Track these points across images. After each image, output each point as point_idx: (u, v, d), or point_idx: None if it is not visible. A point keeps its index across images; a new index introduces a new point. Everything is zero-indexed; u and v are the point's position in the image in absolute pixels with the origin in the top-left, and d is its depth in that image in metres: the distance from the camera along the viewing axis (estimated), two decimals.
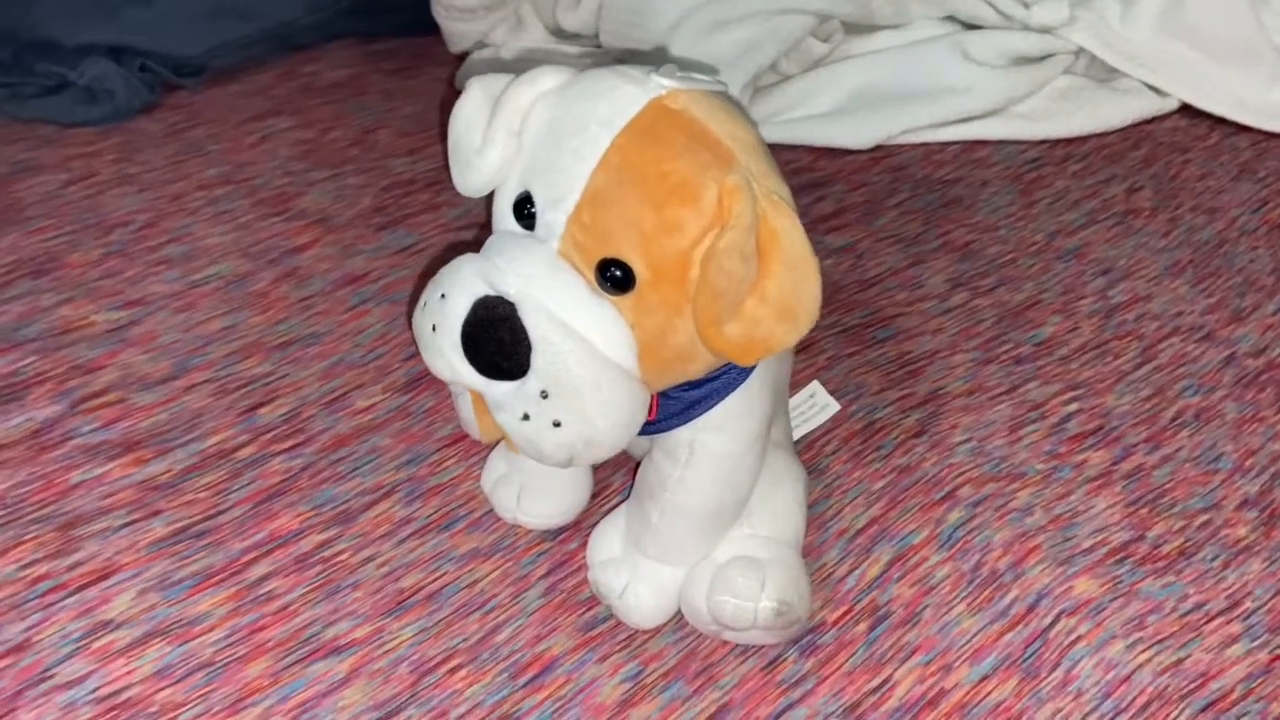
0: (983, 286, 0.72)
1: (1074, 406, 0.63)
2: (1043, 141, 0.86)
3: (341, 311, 0.66)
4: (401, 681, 0.49)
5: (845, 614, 0.53)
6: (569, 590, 0.53)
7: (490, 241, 0.43)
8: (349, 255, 0.69)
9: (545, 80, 0.42)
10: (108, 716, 0.46)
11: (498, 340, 0.40)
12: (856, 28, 0.89)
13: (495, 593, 0.53)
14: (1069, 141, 0.86)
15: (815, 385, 0.62)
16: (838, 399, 0.62)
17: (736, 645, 0.51)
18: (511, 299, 0.40)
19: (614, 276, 0.40)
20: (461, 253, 0.43)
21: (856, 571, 0.54)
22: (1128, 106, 0.87)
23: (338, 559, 0.53)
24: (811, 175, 0.81)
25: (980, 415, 0.62)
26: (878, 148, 0.84)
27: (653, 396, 0.46)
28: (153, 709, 0.46)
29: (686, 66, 0.44)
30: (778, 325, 0.40)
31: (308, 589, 0.52)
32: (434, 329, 0.42)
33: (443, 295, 0.42)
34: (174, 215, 0.71)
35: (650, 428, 0.48)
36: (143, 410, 0.58)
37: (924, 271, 0.73)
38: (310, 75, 0.87)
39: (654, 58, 0.83)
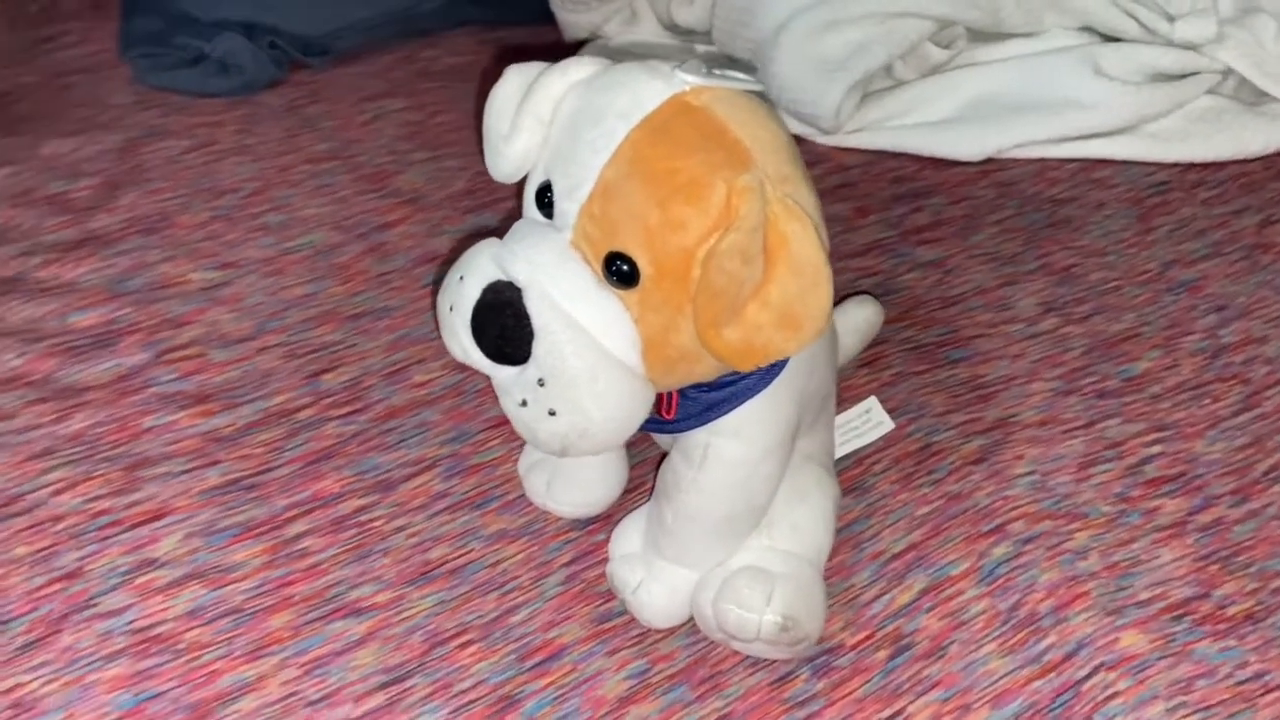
0: (1077, 313, 0.68)
1: (1156, 449, 0.59)
2: (1174, 165, 0.80)
3: (416, 288, 0.68)
4: (413, 650, 0.50)
5: (866, 639, 0.51)
6: (589, 581, 0.53)
7: (514, 227, 0.43)
8: (434, 235, 0.72)
9: (577, 71, 0.42)
10: (138, 649, 0.49)
11: (501, 325, 0.40)
12: (983, 35, 0.85)
13: (517, 575, 0.53)
14: (1203, 166, 0.80)
15: (871, 401, 0.60)
16: (896, 418, 0.60)
17: (747, 657, 0.50)
18: (520, 285, 0.40)
19: (620, 270, 0.40)
20: (488, 237, 0.44)
21: (885, 597, 0.52)
22: (1275, 133, 0.80)
23: (372, 525, 0.55)
24: (913, 185, 0.78)
25: (1049, 448, 0.59)
26: (988, 161, 0.81)
27: (672, 396, 0.46)
28: (180, 646, 0.49)
29: (723, 65, 0.43)
30: (778, 332, 0.39)
31: (339, 550, 0.53)
32: (450, 309, 0.43)
33: (461, 278, 0.42)
34: (279, 185, 0.74)
35: (668, 427, 0.47)
36: (218, 366, 0.62)
37: (1015, 293, 0.69)
38: (428, 60, 0.90)
39: (756, 56, 0.82)
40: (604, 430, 0.41)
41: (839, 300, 0.63)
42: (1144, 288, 0.70)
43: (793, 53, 0.79)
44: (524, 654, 0.50)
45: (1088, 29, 0.84)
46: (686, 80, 0.40)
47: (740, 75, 0.42)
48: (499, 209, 0.74)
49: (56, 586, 0.51)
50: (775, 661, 0.50)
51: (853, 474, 0.58)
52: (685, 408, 0.46)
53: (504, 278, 0.41)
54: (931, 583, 0.53)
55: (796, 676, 0.50)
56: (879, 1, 0.79)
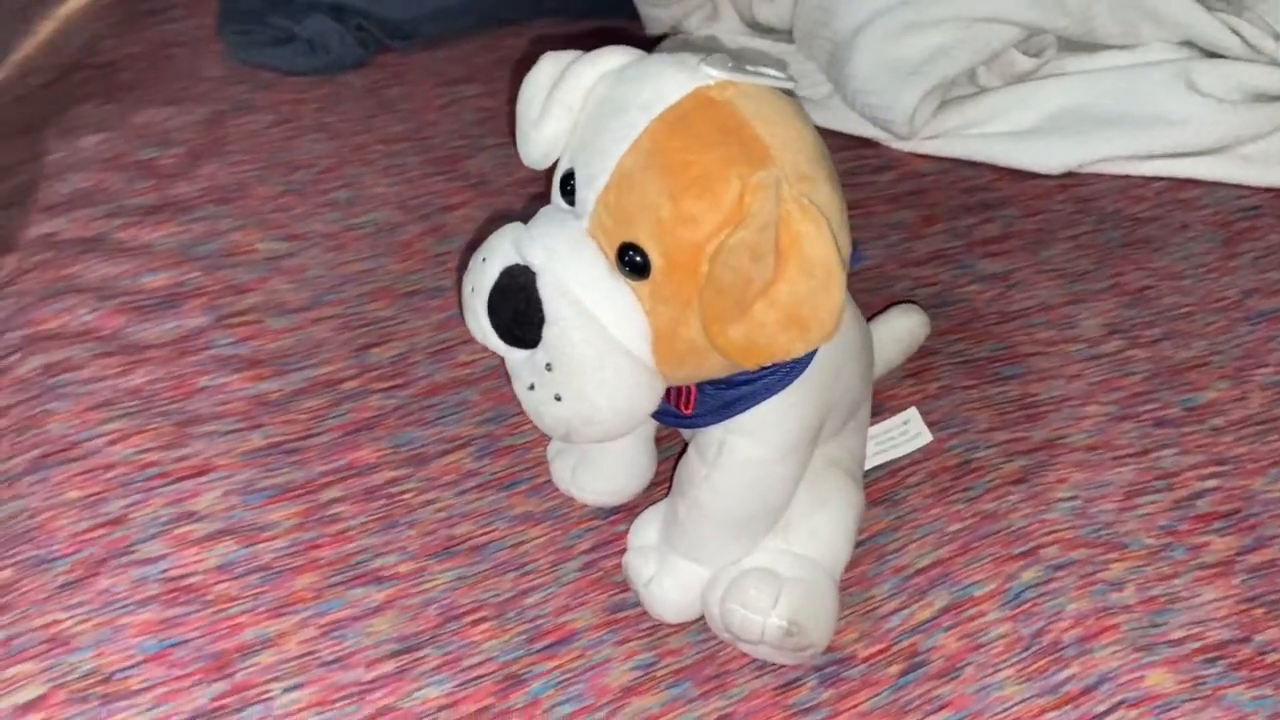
0: (1145, 337, 0.65)
1: (1212, 483, 0.56)
2: (1267, 189, 0.76)
3: None
4: (428, 621, 0.51)
5: (880, 652, 0.50)
6: (607, 570, 0.53)
7: (539, 213, 0.44)
8: (494, 219, 0.73)
9: (608, 60, 0.42)
10: (168, 597, 0.51)
11: (514, 308, 0.41)
12: (1075, 45, 0.82)
13: (536, 558, 0.54)
14: None
15: (911, 412, 0.59)
16: (937, 431, 0.59)
17: (755, 659, 0.50)
18: (535, 270, 0.41)
19: (633, 261, 0.40)
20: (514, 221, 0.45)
21: (904, 611, 0.51)
22: None
23: (402, 497, 0.56)
24: (986, 195, 0.76)
25: (1096, 474, 0.57)
26: (1069, 174, 0.78)
27: (690, 390, 0.46)
28: (208, 598, 0.51)
29: (757, 61, 0.43)
30: (783, 332, 0.38)
31: (368, 519, 0.55)
32: (472, 290, 0.43)
33: (483, 260, 0.43)
34: (351, 163, 0.77)
35: (686, 422, 0.47)
36: (273, 333, 0.64)
37: (1080, 312, 0.67)
38: (510, 48, 0.91)
39: (840, 55, 0.80)
40: (607, 418, 0.41)
41: (885, 307, 0.61)
42: (1219, 315, 0.66)
43: (869, 54, 0.78)
44: (534, 636, 0.51)
45: (1187, 44, 0.81)
46: (711, 74, 0.40)
47: (770, 71, 0.42)
48: None
49: (100, 531, 0.53)
50: (784, 666, 0.49)
51: (885, 485, 0.57)
52: (703, 403, 0.46)
53: (521, 262, 0.41)
54: (953, 601, 0.51)
55: (803, 683, 0.49)
56: (963, 5, 0.77)
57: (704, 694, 0.49)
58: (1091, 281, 0.69)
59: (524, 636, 0.51)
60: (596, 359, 0.40)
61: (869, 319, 0.60)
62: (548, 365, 0.40)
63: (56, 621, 0.50)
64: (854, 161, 0.79)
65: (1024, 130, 0.79)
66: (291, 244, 0.70)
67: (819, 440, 0.49)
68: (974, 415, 0.60)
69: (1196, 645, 0.49)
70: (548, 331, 0.40)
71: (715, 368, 0.42)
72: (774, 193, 0.38)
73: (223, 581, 0.52)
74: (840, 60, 0.80)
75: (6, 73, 0.86)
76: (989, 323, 0.66)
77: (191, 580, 0.52)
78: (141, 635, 0.50)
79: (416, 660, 0.50)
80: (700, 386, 0.45)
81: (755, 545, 0.48)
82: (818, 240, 0.38)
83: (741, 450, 0.45)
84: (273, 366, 0.62)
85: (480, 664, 0.50)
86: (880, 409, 0.60)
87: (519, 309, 0.40)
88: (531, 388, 0.41)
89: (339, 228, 0.71)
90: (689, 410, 0.46)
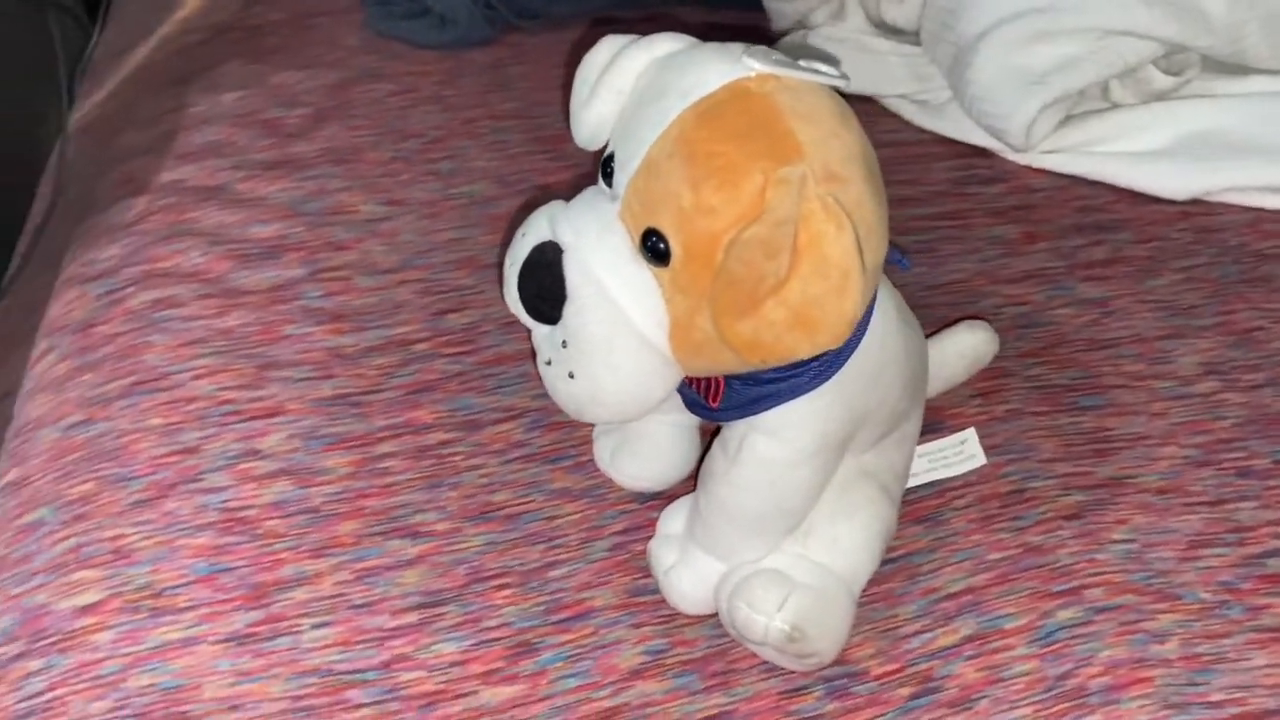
0: (1244, 381, 0.60)
1: None
2: None
3: None
4: (454, 580, 0.53)
5: (893, 672, 0.49)
6: (634, 553, 0.54)
7: (581, 193, 0.44)
8: (545, 197, 0.73)
9: (661, 46, 0.43)
10: (223, 526, 0.54)
11: (539, 283, 0.42)
12: (1221, 66, 0.77)
13: (567, 533, 0.55)
14: None
15: (969, 433, 0.57)
16: (996, 455, 0.56)
17: (765, 662, 0.49)
18: (563, 248, 0.41)
19: (655, 247, 0.40)
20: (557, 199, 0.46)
21: (926, 634, 0.50)
22: None
23: (450, 459, 0.58)
24: (1099, 217, 0.72)
25: (1160, 518, 0.53)
26: (1194, 202, 0.73)
27: (718, 383, 0.46)
28: (258, 532, 0.55)
29: (812, 57, 0.42)
30: (790, 332, 0.38)
31: (415, 476, 0.57)
32: (510, 264, 0.44)
33: (522, 235, 0.44)
34: (460, 136, 0.79)
35: (712, 414, 0.47)
36: (359, 291, 0.67)
37: (1178, 347, 0.63)
38: (639, 34, 0.92)
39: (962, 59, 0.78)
40: (615, 400, 0.41)
41: (952, 322, 0.59)
42: None
43: (991, 60, 0.75)
44: (553, 608, 0.52)
45: None
46: (752, 66, 0.39)
47: (821, 68, 0.41)
48: None
49: (175, 458, 0.57)
50: (793, 672, 0.49)
51: (931, 503, 0.55)
52: (730, 397, 0.46)
53: (553, 239, 0.42)
54: (980, 631, 0.50)
55: (809, 692, 0.48)
56: (1099, 16, 0.73)
57: (708, 688, 0.49)
58: (1196, 316, 0.65)
59: (543, 607, 0.52)
60: (608, 340, 0.40)
61: (936, 332, 0.58)
62: (564, 342, 0.41)
63: (123, 535, 0.54)
64: (963, 171, 0.77)
65: (1152, 151, 0.75)
66: (391, 208, 0.73)
67: (853, 449, 0.48)
68: (1039, 443, 0.57)
69: (1236, 711, 0.46)
70: (567, 309, 0.41)
71: (731, 362, 0.42)
72: (796, 189, 0.37)
73: (274, 518, 0.55)
74: (961, 65, 0.78)
75: (170, 28, 0.93)
76: (1075, 349, 0.63)
77: (247, 513, 0.55)
78: (195, 558, 0.53)
79: (438, 615, 0.52)
80: (728, 380, 0.45)
81: (774, 546, 0.48)
82: (837, 241, 0.37)
83: (761, 449, 0.45)
84: (353, 322, 0.65)
85: (497, 627, 0.51)
86: (939, 426, 0.58)
87: (543, 285, 0.41)
88: (549, 363, 0.42)
89: (438, 196, 0.74)
90: (715, 403, 0.46)
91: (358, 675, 0.50)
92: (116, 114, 0.86)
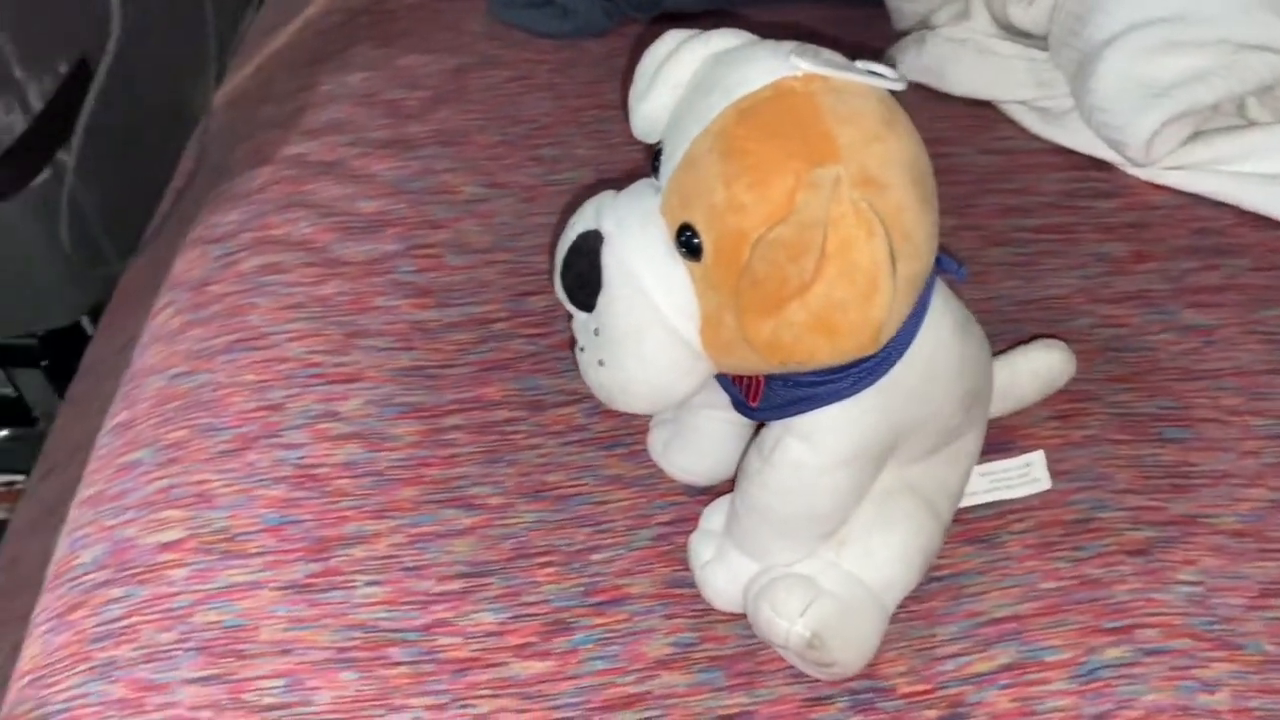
0: None
1: None
2: None
3: None
4: (501, 554, 0.55)
5: (923, 693, 0.47)
6: (677, 545, 0.54)
7: (634, 184, 0.45)
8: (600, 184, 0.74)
9: (719, 41, 0.43)
10: (295, 480, 0.58)
11: (577, 271, 0.42)
12: None
13: (614, 519, 0.56)
14: None
15: (1037, 456, 0.54)
16: (1066, 482, 0.54)
17: (792, 666, 0.49)
18: (604, 237, 0.42)
19: (689, 242, 0.40)
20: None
21: (962, 658, 0.48)
22: None
23: (512, 436, 0.60)
24: (1218, 240, 0.68)
25: (1233, 563, 0.50)
26: None
27: (758, 382, 0.46)
28: (327, 489, 0.58)
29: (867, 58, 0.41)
30: (810, 335, 0.37)
31: (476, 450, 0.59)
32: (558, 250, 0.45)
33: (572, 222, 0.45)
34: (565, 124, 0.81)
35: (751, 413, 0.47)
36: (449, 269, 0.69)
37: None
38: (756, 28, 0.91)
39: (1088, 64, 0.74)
40: (641, 390, 0.42)
41: (1028, 339, 0.57)
42: None
43: (1115, 69, 0.71)
44: (591, 590, 0.53)
45: None
46: (799, 65, 0.39)
47: (878, 69, 0.40)
48: None
49: (262, 413, 0.61)
50: (820, 681, 0.48)
51: (988, 524, 0.53)
52: (769, 397, 0.45)
53: (596, 228, 0.43)
54: (1019, 660, 0.48)
55: (833, 702, 0.48)
56: (1232, 28, 0.69)
57: (732, 686, 0.49)
58: None
59: (581, 589, 0.53)
60: (637, 331, 0.41)
61: (1009, 348, 0.56)
62: (596, 330, 0.42)
63: (208, 481, 0.58)
64: (1076, 183, 0.73)
65: None
66: (490, 190, 0.75)
67: (897, 461, 0.47)
68: (1113, 473, 0.55)
69: None
70: (601, 298, 0.42)
71: (756, 362, 0.42)
72: (827, 192, 0.37)
73: (343, 478, 0.58)
74: (1085, 72, 0.74)
75: (314, 9, 0.98)
76: (1169, 377, 0.59)
77: (319, 471, 0.58)
78: (267, 508, 0.57)
79: (481, 585, 0.53)
80: (768, 380, 0.45)
81: (807, 551, 0.47)
82: (867, 248, 0.36)
83: (794, 452, 0.45)
84: (439, 298, 0.67)
85: (536, 604, 0.53)
86: (1009, 446, 0.56)
87: (582, 272, 0.42)
88: (583, 349, 0.43)
89: (537, 181, 0.76)
90: (755, 403, 0.46)
91: (399, 634, 0.52)
92: (257, 89, 0.92)
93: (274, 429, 0.60)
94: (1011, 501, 0.54)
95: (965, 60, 0.82)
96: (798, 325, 0.37)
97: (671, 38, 0.44)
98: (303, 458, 0.59)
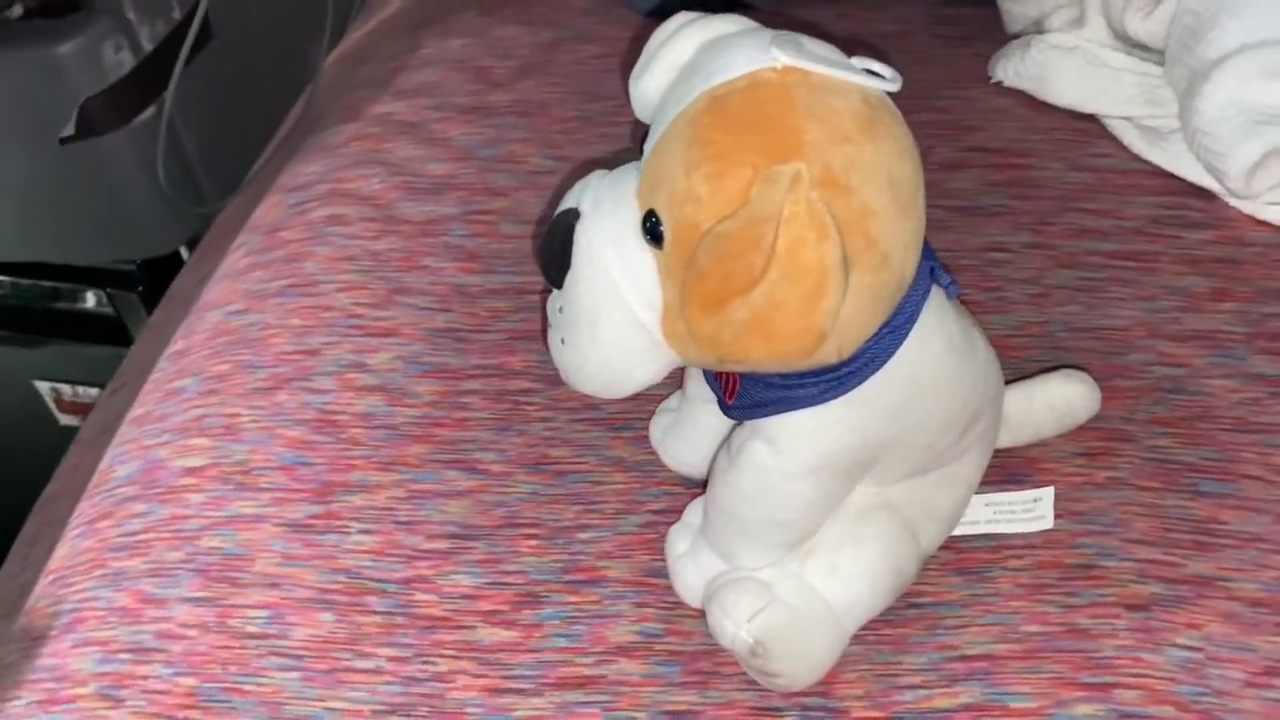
0: None
1: None
2: None
3: None
4: (491, 520, 0.55)
5: (875, 719, 0.46)
6: (662, 535, 0.54)
7: (624, 165, 0.44)
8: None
9: (717, 26, 0.42)
10: (315, 424, 0.60)
11: (550, 247, 0.42)
12: None
13: (607, 500, 0.56)
14: None
15: (1047, 493, 0.51)
16: (1075, 522, 0.51)
17: (749, 675, 0.48)
18: (581, 215, 0.42)
19: (653, 229, 0.39)
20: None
21: (924, 690, 0.46)
22: None
23: (524, 407, 0.60)
24: None
25: (1243, 633, 0.46)
26: None
27: (735, 379, 0.45)
28: (342, 436, 0.60)
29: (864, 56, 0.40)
30: (748, 336, 0.36)
31: (489, 416, 0.60)
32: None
33: (564, 199, 0.45)
34: None
35: (727, 411, 0.46)
36: (500, 236, 0.70)
37: None
38: (867, 21, 0.88)
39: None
40: (598, 373, 0.41)
41: (1050, 368, 0.53)
42: None
43: (1222, 90, 0.66)
44: (570, 568, 0.53)
45: None
46: (777, 56, 0.38)
47: (873, 66, 0.38)
48: None
49: (298, 356, 0.64)
50: (771, 693, 0.47)
51: (982, 556, 0.51)
52: (742, 396, 0.44)
53: (575, 206, 0.43)
54: (982, 702, 0.45)
55: (782, 715, 0.47)
56: None
57: (685, 683, 0.48)
58: None
59: (560, 565, 0.53)
60: (594, 313, 0.40)
61: (1028, 376, 0.53)
62: (560, 308, 0.42)
63: (237, 415, 0.61)
64: (1169, 210, 0.68)
65: None
66: (557, 164, 0.76)
67: (876, 479, 0.46)
68: (1131, 521, 0.51)
69: None
70: (569, 276, 0.42)
71: (703, 357, 0.40)
72: (783, 189, 0.35)
73: (358, 427, 0.60)
74: (1192, 92, 0.69)
75: None
76: (1219, 426, 0.55)
77: (338, 418, 0.61)
78: (285, 448, 0.59)
79: (466, 548, 0.54)
80: (742, 378, 0.44)
81: (772, 556, 0.46)
82: (815, 250, 0.35)
83: (759, 455, 0.44)
84: (484, 264, 0.68)
85: (513, 573, 0.53)
86: (1023, 478, 0.53)
87: (555, 249, 0.42)
88: (552, 326, 0.43)
89: (605, 158, 0.76)
90: (730, 400, 0.45)
91: (379, 584, 0.54)
92: (365, 49, 0.95)
93: (306, 373, 0.63)
94: (1012, 536, 0.51)
95: (1071, 69, 0.77)
96: (737, 324, 0.36)
97: (676, 19, 0.44)
98: (326, 403, 0.61)
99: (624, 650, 0.50)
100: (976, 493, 0.51)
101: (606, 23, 0.89)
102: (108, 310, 0.89)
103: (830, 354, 0.39)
